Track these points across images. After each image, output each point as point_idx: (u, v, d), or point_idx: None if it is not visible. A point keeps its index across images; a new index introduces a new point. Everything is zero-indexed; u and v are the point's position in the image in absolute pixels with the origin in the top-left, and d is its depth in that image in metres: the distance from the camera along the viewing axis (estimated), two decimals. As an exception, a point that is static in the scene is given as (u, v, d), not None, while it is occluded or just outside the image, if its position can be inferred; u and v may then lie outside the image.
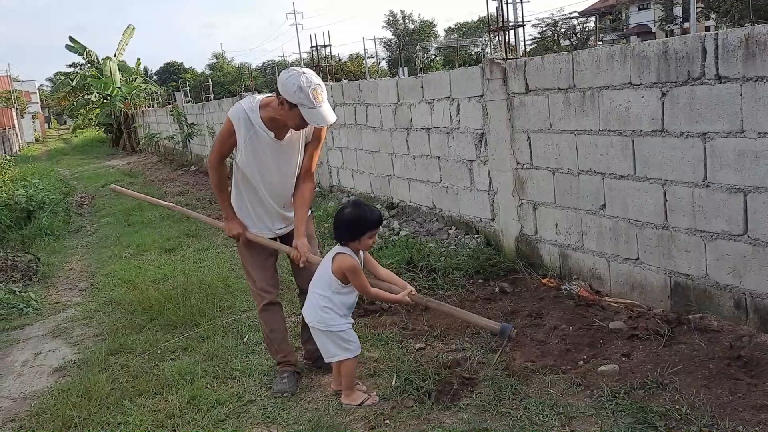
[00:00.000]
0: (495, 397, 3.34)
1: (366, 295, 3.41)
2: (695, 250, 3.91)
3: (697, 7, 36.15)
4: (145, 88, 29.99)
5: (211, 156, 3.65)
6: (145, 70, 36.60)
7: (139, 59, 32.34)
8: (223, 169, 3.66)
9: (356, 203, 3.43)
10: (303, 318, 3.85)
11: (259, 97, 3.51)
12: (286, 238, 3.75)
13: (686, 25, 39.34)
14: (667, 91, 3.89)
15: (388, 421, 3.24)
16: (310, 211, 3.81)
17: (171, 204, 4.48)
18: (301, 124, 3.34)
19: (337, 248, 3.37)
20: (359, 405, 3.40)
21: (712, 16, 40.11)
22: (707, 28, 38.34)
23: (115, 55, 29.60)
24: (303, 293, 3.67)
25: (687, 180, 3.88)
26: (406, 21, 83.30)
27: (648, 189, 4.14)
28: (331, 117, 3.30)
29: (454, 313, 3.45)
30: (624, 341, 3.79)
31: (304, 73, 3.26)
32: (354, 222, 3.30)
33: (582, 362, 3.63)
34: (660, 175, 4.04)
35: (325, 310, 3.35)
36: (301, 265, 3.56)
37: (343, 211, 3.38)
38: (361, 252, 3.39)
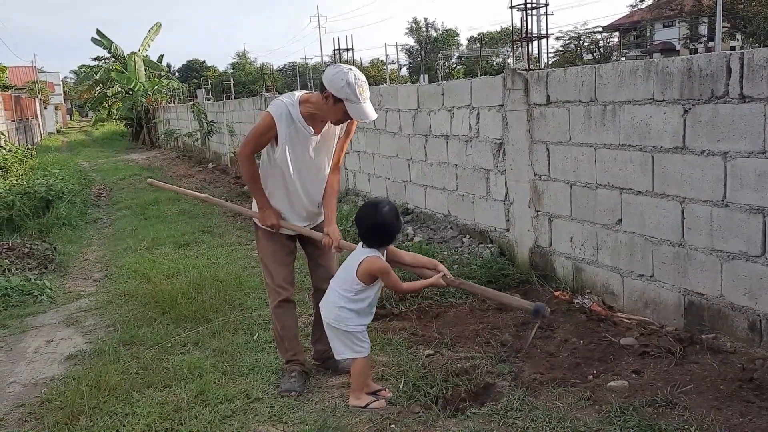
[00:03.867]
0: (502, 407, 3.32)
1: (399, 292, 3.42)
2: (711, 270, 3.88)
3: (723, 27, 35.88)
4: (167, 84, 30.25)
5: (244, 149, 3.61)
6: (168, 66, 36.92)
7: (161, 56, 32.65)
8: (255, 161, 3.67)
9: (391, 206, 3.39)
10: (314, 318, 3.88)
11: (298, 93, 3.59)
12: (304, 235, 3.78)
13: (711, 44, 39.04)
14: (690, 109, 3.87)
15: (393, 426, 3.23)
16: None
17: (205, 195, 4.51)
18: (343, 118, 3.43)
19: (364, 250, 3.36)
20: (365, 407, 3.40)
21: (738, 36, 39.80)
22: (732, 48, 38.02)
23: (139, 50, 29.91)
24: (318, 292, 3.69)
25: (706, 198, 3.85)
26: (429, 29, 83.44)
27: (666, 206, 4.11)
28: (373, 114, 3.40)
29: (487, 294, 3.48)
30: (635, 358, 3.77)
31: (351, 69, 3.35)
32: (392, 225, 3.33)
33: (591, 377, 3.61)
34: (678, 192, 4.02)
35: (343, 309, 3.37)
36: (333, 251, 3.61)
37: (381, 212, 3.30)
38: (384, 249, 3.41)
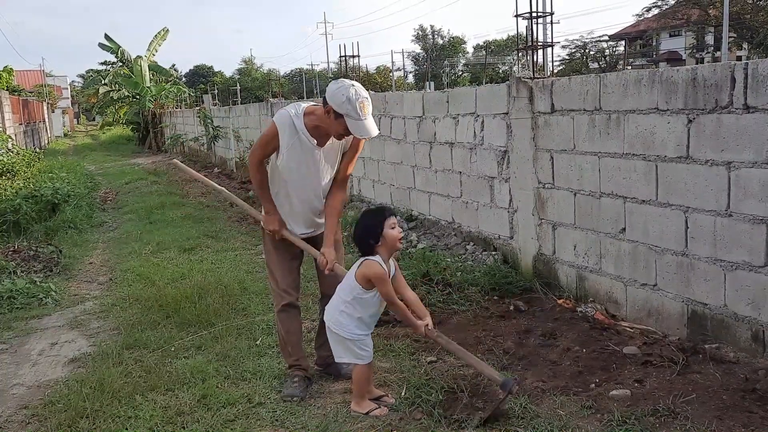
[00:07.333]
0: (504, 415, 3.32)
1: (390, 304, 3.40)
2: (714, 280, 3.87)
3: (729, 37, 35.82)
4: (174, 89, 30.37)
5: (252, 157, 3.73)
6: (175, 70, 37.16)
7: (174, 65, 32.87)
8: (264, 168, 3.76)
9: (362, 213, 3.55)
10: (318, 324, 3.90)
11: (304, 104, 3.63)
12: (308, 242, 3.79)
13: (718, 53, 38.97)
14: (694, 118, 3.88)
15: (395, 432, 3.24)
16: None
17: (221, 188, 4.53)
18: (344, 133, 3.46)
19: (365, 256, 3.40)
20: (366, 413, 3.41)
21: (745, 46, 39.74)
22: (739, 58, 37.96)
23: (146, 55, 30.07)
24: (325, 298, 3.71)
25: (709, 208, 3.85)
26: (436, 36, 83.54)
27: (669, 215, 4.12)
28: (374, 130, 3.42)
29: (461, 355, 3.50)
30: (637, 367, 3.76)
31: (353, 85, 3.38)
32: (369, 223, 3.38)
33: (594, 385, 3.61)
34: (682, 201, 4.02)
35: (343, 314, 3.39)
36: (326, 272, 3.63)
37: (355, 226, 3.46)
38: (392, 263, 3.42)
